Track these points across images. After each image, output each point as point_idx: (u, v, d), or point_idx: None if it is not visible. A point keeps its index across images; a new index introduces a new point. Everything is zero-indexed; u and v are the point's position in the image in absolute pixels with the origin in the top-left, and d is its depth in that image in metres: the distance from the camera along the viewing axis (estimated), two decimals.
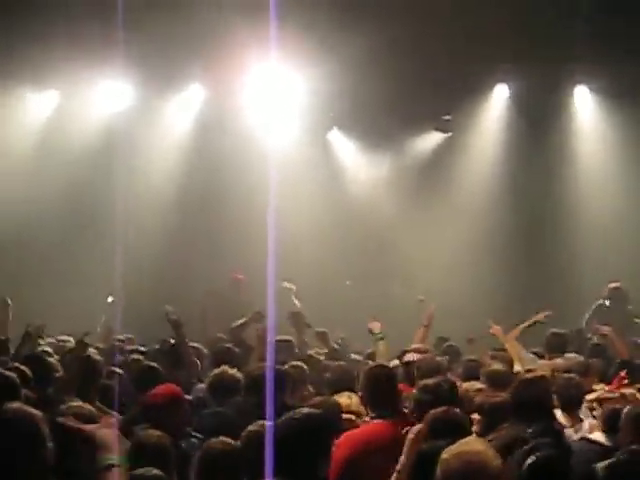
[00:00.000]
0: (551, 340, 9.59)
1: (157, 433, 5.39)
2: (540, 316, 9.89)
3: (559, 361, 9.03)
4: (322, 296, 14.30)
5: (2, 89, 14.86)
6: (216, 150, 15.70)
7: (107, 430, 5.80)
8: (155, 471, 4.88)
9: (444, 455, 4.16)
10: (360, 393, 6.49)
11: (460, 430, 5.12)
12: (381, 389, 6.18)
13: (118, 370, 7.75)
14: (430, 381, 6.32)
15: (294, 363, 8.02)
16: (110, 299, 11.55)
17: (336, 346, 10.35)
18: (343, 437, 5.87)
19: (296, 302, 11.96)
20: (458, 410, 5.49)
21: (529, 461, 4.77)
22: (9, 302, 9.90)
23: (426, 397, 6.07)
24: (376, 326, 8.63)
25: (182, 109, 15.90)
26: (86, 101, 15.41)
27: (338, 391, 7.07)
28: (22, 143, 15.37)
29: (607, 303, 13.10)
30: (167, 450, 5.26)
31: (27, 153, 15.29)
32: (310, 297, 12.87)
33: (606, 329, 10.37)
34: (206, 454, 5.10)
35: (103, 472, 5.12)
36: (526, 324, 9.63)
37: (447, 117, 15.65)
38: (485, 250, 15.33)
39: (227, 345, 9.07)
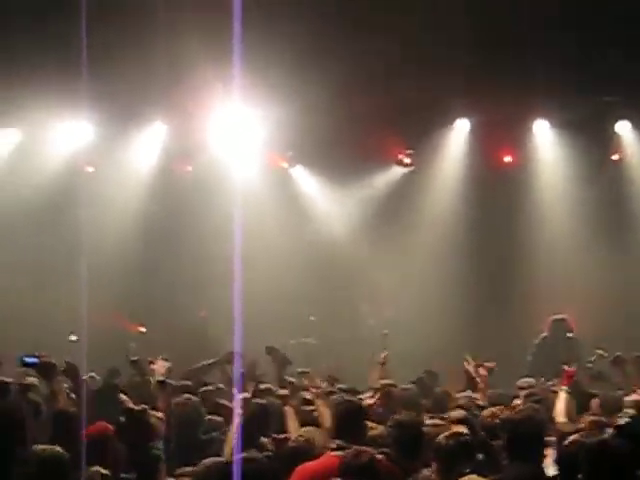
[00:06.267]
0: None
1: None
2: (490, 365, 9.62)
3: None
4: (290, 330, 14.28)
5: None
6: (179, 187, 15.71)
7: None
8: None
9: None
10: (329, 425, 6.58)
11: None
12: (350, 421, 6.30)
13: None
14: (403, 417, 6.54)
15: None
16: (73, 337, 11.44)
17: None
18: (300, 469, 5.90)
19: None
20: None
21: None
22: None
23: (397, 432, 6.28)
24: None
25: (145, 146, 15.88)
26: (47, 139, 15.35)
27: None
28: None
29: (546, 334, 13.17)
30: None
31: None
32: (277, 332, 12.86)
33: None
34: None
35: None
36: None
37: (409, 152, 15.78)
38: (449, 283, 15.39)
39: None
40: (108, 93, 13.78)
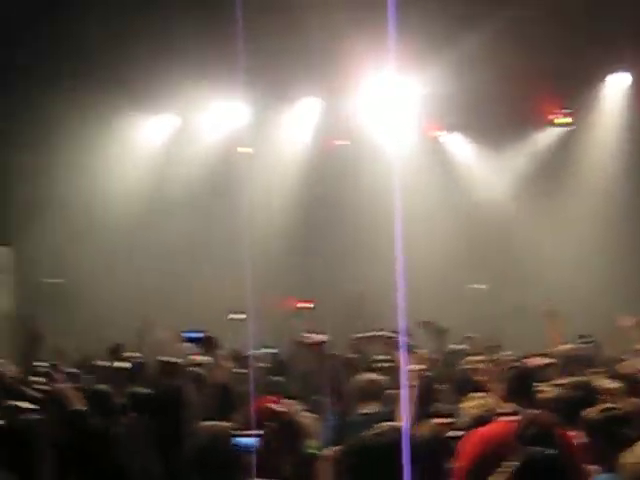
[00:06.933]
0: None
1: None
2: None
3: None
4: (447, 302, 14.13)
5: (122, 116, 15.19)
6: (336, 162, 15.72)
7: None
8: None
9: (629, 459, 4.12)
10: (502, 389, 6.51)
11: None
12: (521, 385, 6.34)
13: None
14: (577, 379, 6.51)
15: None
16: (235, 316, 11.58)
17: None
18: (473, 435, 5.81)
19: None
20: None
21: None
22: None
23: (572, 394, 6.19)
24: None
25: (300, 123, 15.98)
26: (205, 123, 15.64)
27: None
28: (141, 168, 15.65)
29: None
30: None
31: (145, 177, 15.59)
32: (434, 303, 12.76)
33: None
34: None
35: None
36: None
37: (567, 111, 15.30)
38: (613, 245, 14.85)
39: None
40: (261, 72, 13.90)
